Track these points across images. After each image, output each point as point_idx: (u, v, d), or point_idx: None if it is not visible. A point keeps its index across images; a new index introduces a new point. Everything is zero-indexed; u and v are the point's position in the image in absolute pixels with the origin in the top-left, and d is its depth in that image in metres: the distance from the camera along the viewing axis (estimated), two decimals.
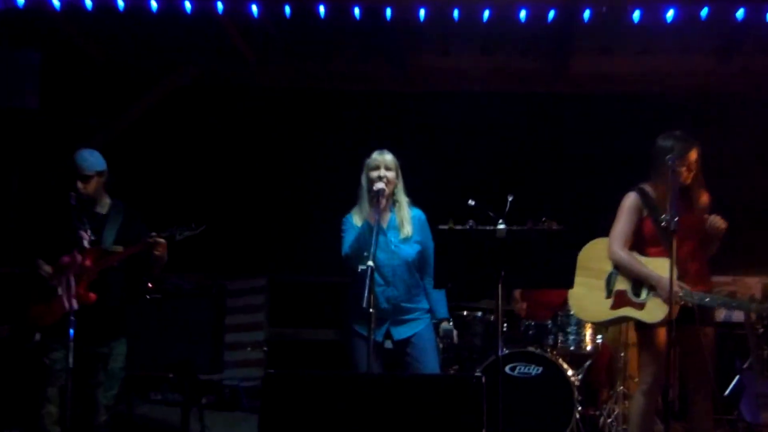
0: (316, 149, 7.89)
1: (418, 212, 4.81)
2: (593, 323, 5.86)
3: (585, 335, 6.09)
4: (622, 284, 4.66)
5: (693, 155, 4.57)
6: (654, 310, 4.53)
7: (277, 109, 7.96)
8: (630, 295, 4.63)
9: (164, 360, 5.64)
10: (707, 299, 4.45)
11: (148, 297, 5.77)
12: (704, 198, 4.70)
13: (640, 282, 4.61)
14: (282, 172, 8.09)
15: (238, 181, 8.05)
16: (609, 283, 4.69)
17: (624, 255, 4.64)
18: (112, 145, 6.89)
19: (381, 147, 4.76)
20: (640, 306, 4.58)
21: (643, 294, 4.59)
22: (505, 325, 6.18)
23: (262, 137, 8.09)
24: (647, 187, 4.71)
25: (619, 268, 4.68)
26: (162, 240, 4.70)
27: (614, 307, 4.67)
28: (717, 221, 4.55)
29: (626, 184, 4.79)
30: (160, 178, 7.85)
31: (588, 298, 4.75)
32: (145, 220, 4.97)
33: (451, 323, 4.83)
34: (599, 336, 6.16)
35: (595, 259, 4.74)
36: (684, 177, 4.58)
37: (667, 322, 4.43)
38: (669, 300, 4.34)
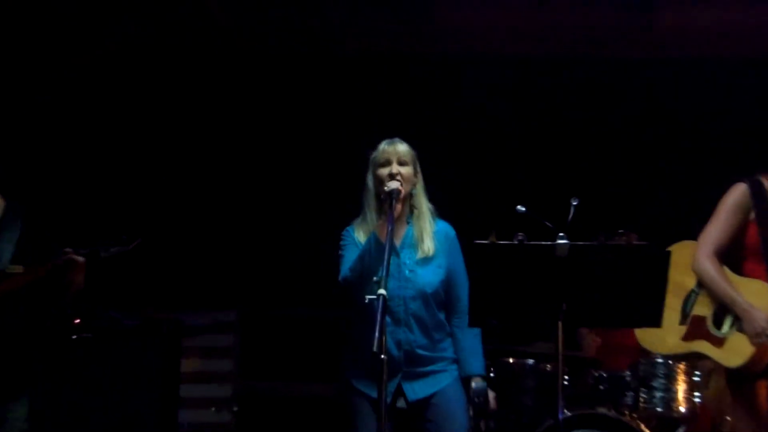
0: (304, 135, 7.93)
1: (445, 226, 4.78)
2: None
3: (677, 391, 6.01)
4: (702, 308, 4.61)
5: None
6: (735, 350, 4.46)
7: (249, 82, 7.98)
8: (709, 324, 4.57)
9: (97, 423, 5.66)
10: None
11: (74, 337, 5.77)
12: None
13: (725, 308, 4.53)
14: (259, 167, 8.12)
15: (197, 180, 8.08)
16: (686, 303, 4.66)
17: (710, 267, 4.57)
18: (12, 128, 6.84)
19: (391, 134, 4.71)
20: (719, 342, 4.53)
21: (726, 325, 4.52)
22: (566, 377, 6.13)
23: (231, 120, 8.12)
24: (766, 181, 4.62)
25: (702, 285, 4.62)
26: (80, 259, 4.62)
27: (687, 337, 4.62)
28: None
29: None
30: (83, 175, 7.82)
31: None
32: (57, 231, 4.88)
33: (484, 381, 4.79)
34: (697, 393, 6.08)
35: (679, 268, 4.59)
36: None
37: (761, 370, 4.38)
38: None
